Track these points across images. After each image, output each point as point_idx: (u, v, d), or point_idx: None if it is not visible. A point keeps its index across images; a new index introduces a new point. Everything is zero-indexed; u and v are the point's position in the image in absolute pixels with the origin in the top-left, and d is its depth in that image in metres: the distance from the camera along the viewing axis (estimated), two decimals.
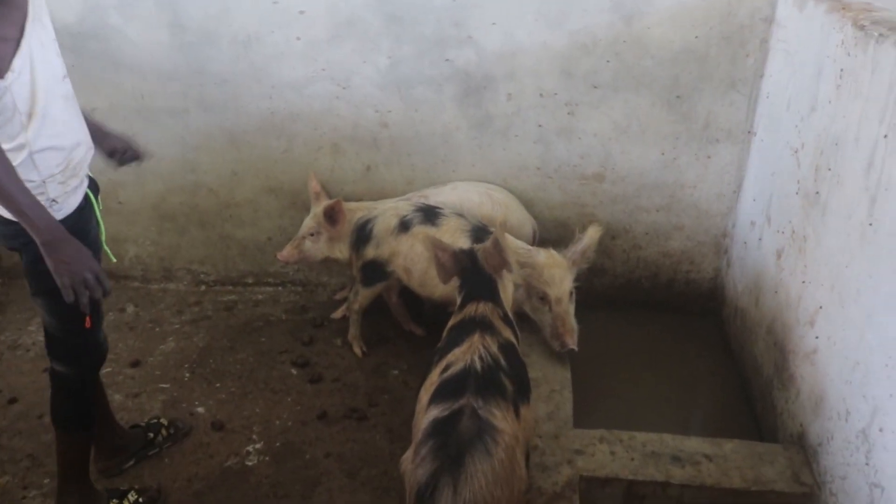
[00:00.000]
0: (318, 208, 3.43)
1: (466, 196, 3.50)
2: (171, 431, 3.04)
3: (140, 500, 2.74)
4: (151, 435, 2.98)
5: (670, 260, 3.77)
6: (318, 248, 3.47)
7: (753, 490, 2.46)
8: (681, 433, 2.70)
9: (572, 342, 3.03)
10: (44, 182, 2.14)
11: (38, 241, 2.05)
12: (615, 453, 2.55)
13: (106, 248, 2.49)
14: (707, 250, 3.73)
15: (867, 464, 2.15)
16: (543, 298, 3.06)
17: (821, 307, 2.55)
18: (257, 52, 3.48)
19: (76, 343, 2.41)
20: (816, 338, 2.57)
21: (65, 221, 2.19)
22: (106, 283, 2.16)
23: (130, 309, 3.93)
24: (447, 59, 3.39)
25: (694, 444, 2.62)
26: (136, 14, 3.44)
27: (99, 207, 2.42)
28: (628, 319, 3.76)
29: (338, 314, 3.82)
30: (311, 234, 3.45)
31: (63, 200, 2.21)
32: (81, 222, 2.29)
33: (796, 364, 2.74)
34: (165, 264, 4.13)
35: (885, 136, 2.13)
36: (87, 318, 2.33)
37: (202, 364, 3.50)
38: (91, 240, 2.32)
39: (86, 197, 2.33)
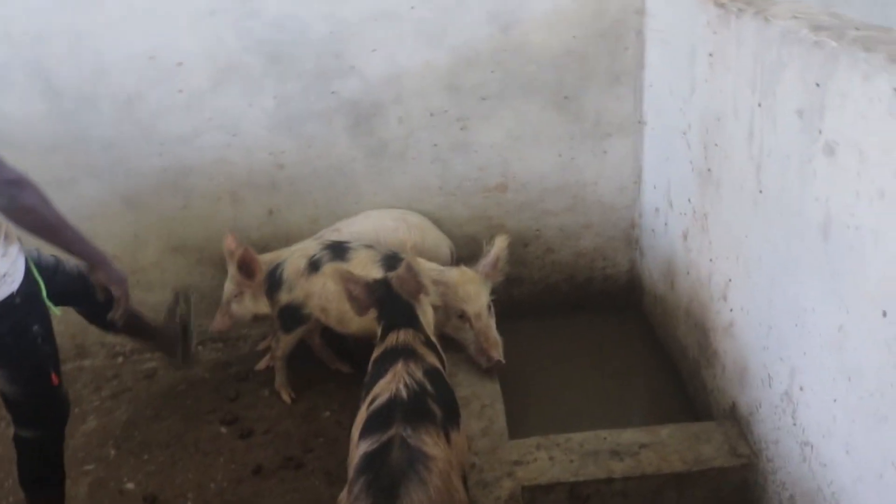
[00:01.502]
0: (233, 269, 3.31)
1: (381, 223, 3.46)
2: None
3: None
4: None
5: (584, 259, 3.80)
6: (245, 308, 3.37)
7: (695, 470, 2.47)
8: (619, 428, 2.70)
9: (498, 355, 3.01)
10: None
11: (98, 265, 2.42)
12: (554, 458, 2.53)
13: (49, 302, 2.45)
14: (619, 244, 3.78)
15: (795, 424, 2.18)
16: (462, 316, 3.03)
17: (730, 280, 2.60)
18: (140, 109, 3.40)
19: (41, 404, 2.46)
20: (731, 310, 2.61)
21: (20, 290, 2.27)
22: None
23: None
24: (333, 92, 3.37)
25: (630, 436, 2.62)
26: (6, 87, 3.31)
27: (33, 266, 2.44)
28: (552, 324, 3.75)
29: (262, 365, 3.72)
30: (235, 297, 3.35)
31: (13, 271, 2.26)
32: (31, 285, 2.35)
33: (717, 339, 2.78)
34: (77, 341, 3.96)
35: (759, 105, 2.19)
36: (53, 375, 2.43)
37: (127, 438, 3.36)
38: (41, 299, 2.41)
39: (25, 260, 2.36)
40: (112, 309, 2.56)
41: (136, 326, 3.09)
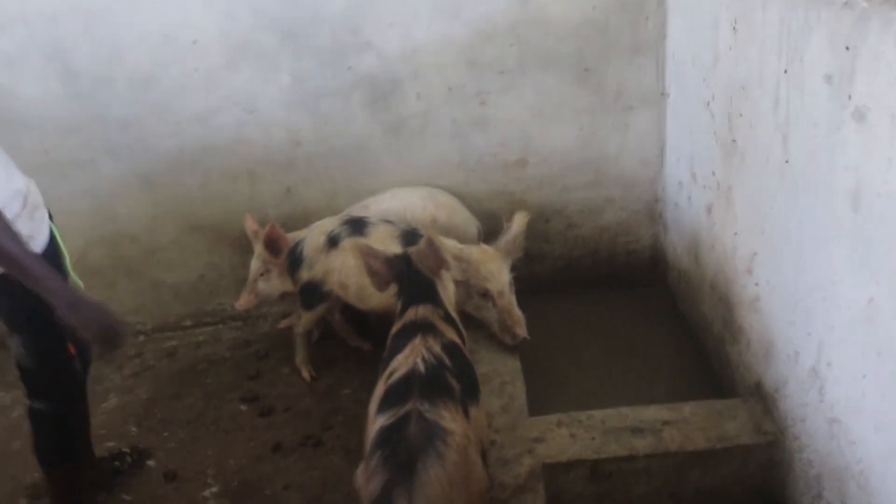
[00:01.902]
0: (260, 247, 3.31)
1: (409, 201, 3.42)
2: (135, 457, 3.05)
3: None
4: (118, 464, 2.99)
5: (607, 234, 3.74)
6: (272, 286, 3.37)
7: (718, 448, 2.42)
8: (641, 405, 2.65)
9: (523, 332, 2.97)
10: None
11: (59, 304, 2.05)
12: (575, 435, 2.49)
13: (73, 274, 2.47)
14: (642, 218, 3.72)
15: (822, 401, 2.13)
16: (485, 295, 2.98)
17: (755, 254, 2.53)
18: (156, 89, 3.38)
19: (55, 374, 2.47)
20: (756, 285, 2.55)
21: (45, 252, 2.31)
22: (125, 328, 2.19)
23: None
24: (349, 68, 3.32)
25: (653, 413, 2.57)
26: (24, 69, 3.31)
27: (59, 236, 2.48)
28: (575, 300, 3.70)
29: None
30: (262, 275, 3.34)
31: (37, 234, 2.31)
32: (54, 253, 2.40)
33: (742, 315, 2.72)
34: None
35: (786, 72, 2.12)
36: (70, 346, 2.44)
37: (148, 416, 3.37)
38: (63, 268, 2.43)
39: (51, 228, 2.42)
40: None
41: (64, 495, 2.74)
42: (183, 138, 3.49)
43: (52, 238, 2.41)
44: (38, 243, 2.30)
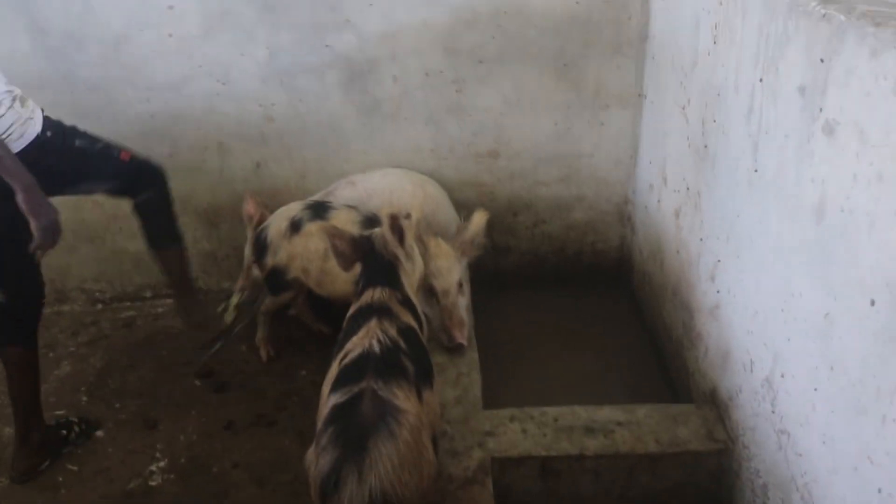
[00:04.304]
0: (252, 233, 3.26)
1: (398, 184, 3.35)
2: (84, 427, 3.02)
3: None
4: (65, 432, 2.96)
5: (575, 232, 3.73)
6: None
7: (668, 452, 2.42)
8: (596, 405, 2.64)
9: (461, 337, 2.86)
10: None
11: (18, 187, 2.33)
12: (527, 431, 2.48)
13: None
14: (611, 219, 3.71)
15: (773, 412, 2.13)
16: (430, 291, 2.86)
17: (719, 261, 2.53)
18: (128, 52, 3.31)
19: (133, 177, 2.86)
20: (718, 292, 2.55)
21: (45, 126, 2.60)
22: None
23: None
24: (327, 45, 3.27)
25: (606, 413, 2.57)
26: None
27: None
28: (538, 296, 3.70)
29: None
30: (255, 261, 3.27)
31: (34, 116, 2.58)
32: (52, 121, 2.66)
33: (702, 321, 2.72)
34: (57, 286, 3.90)
35: (761, 80, 2.11)
36: (122, 154, 2.83)
37: (100, 386, 3.32)
38: (67, 126, 2.73)
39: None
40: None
41: (180, 270, 3.16)
42: (153, 105, 3.42)
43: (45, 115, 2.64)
44: (36, 121, 2.57)
